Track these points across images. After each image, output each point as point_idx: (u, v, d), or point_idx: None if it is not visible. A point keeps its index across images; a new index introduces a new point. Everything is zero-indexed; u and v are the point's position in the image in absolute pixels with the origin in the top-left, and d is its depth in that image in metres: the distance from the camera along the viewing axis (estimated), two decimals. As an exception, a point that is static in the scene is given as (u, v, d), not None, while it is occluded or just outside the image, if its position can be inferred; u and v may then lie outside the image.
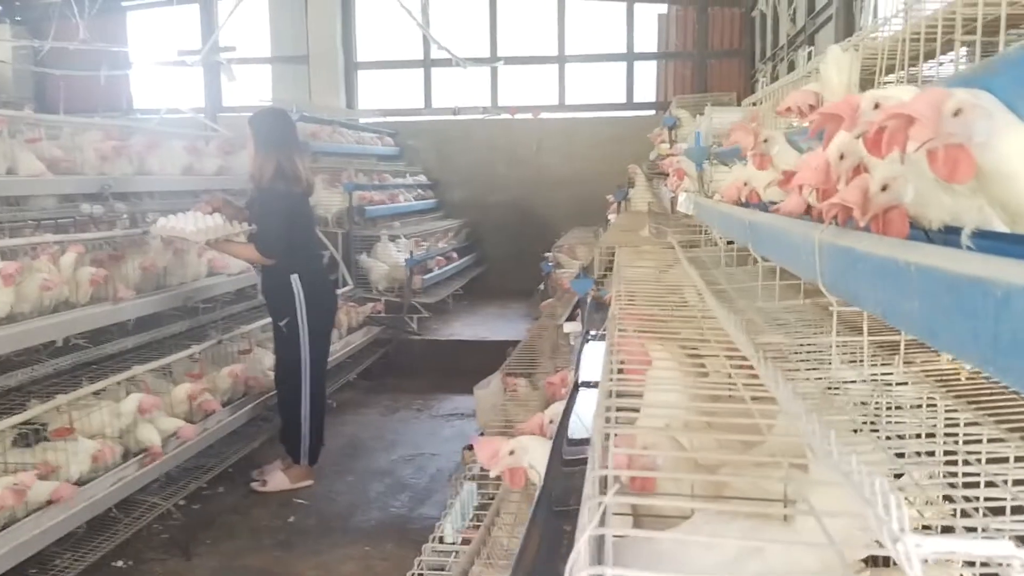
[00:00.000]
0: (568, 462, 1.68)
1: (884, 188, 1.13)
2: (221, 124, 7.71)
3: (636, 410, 1.35)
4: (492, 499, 3.08)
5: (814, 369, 1.21)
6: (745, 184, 2.41)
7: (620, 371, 1.68)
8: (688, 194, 3.75)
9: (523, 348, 4.90)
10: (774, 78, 8.29)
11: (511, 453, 1.65)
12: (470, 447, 4.48)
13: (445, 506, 4.65)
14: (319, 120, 8.69)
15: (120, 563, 4.04)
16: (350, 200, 7.97)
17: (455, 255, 9.73)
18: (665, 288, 2.37)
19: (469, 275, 10.01)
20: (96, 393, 4.07)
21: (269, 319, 5.22)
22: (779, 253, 1.59)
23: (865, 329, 1.26)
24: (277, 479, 5.08)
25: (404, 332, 7.99)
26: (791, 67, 7.42)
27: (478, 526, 2.83)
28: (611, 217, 7.83)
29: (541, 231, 10.41)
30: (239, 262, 5.54)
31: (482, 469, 3.27)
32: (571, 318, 4.20)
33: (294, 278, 4.88)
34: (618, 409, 1.28)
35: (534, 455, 1.66)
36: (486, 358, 7.71)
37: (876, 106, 1.00)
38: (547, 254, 8.35)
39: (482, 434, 4.66)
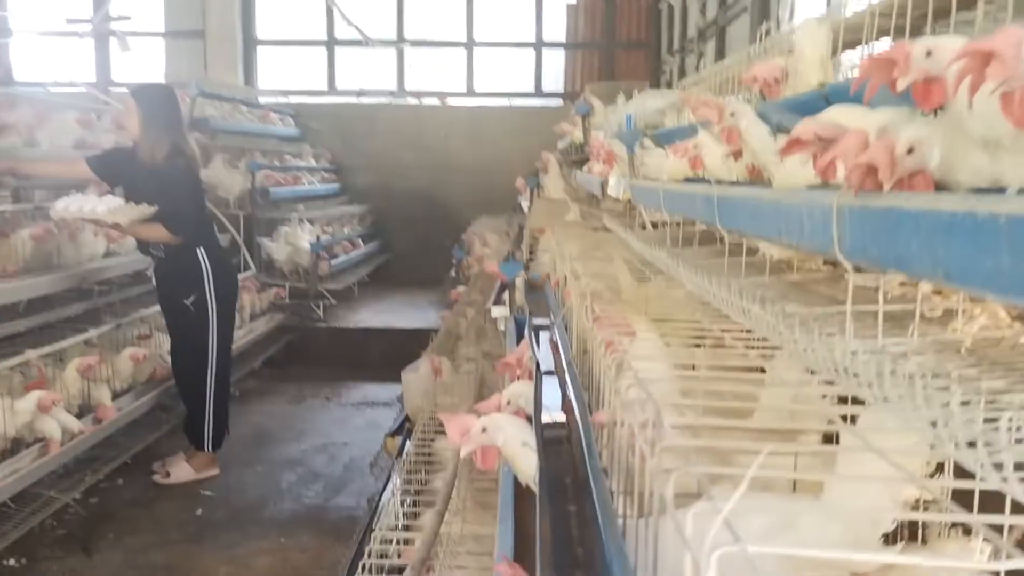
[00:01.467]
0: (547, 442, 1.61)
1: (910, 151, 1.10)
2: (114, 99, 7.27)
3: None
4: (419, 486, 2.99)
5: (831, 336, 1.18)
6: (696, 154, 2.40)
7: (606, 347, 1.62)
8: (620, 178, 3.74)
9: (444, 334, 4.80)
10: (682, 71, 8.45)
11: (483, 431, 1.56)
12: (391, 434, 4.38)
13: (366, 495, 4.55)
14: (219, 97, 8.31)
15: (12, 561, 3.75)
16: (253, 180, 7.66)
17: (360, 241, 9.51)
18: (620, 268, 2.33)
19: (375, 262, 9.81)
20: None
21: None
22: (764, 225, 1.55)
23: (881, 298, 1.23)
24: (181, 470, 4.83)
25: (310, 319, 7.75)
26: (700, 59, 7.56)
27: (416, 513, 2.74)
28: (524, 204, 7.81)
29: (447, 219, 10.31)
30: (132, 241, 5.25)
31: (411, 454, 3.18)
32: (497, 302, 4.14)
33: (200, 251, 4.67)
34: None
35: (507, 432, 1.57)
36: (395, 346, 7.58)
37: (928, 53, 0.96)
38: (457, 242, 8.28)
39: (404, 422, 4.56)
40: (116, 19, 7.28)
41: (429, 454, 3.08)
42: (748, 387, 1.54)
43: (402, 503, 2.58)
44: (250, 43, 10.79)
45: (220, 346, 4.80)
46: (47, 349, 4.19)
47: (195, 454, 4.88)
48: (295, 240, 7.76)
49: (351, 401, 6.59)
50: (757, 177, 2.17)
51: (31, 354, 4.06)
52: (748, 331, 1.62)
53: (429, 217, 10.52)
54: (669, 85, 8.89)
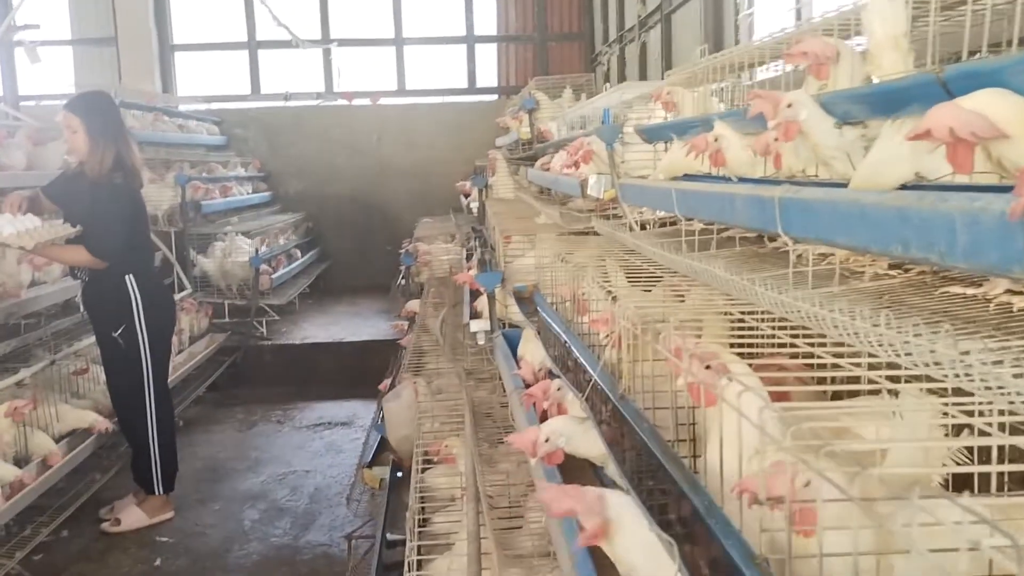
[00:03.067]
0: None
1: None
2: (24, 113, 6.72)
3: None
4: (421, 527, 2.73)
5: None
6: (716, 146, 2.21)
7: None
8: (600, 176, 3.52)
9: (412, 351, 4.50)
10: (622, 61, 8.29)
11: (547, 440, 1.40)
12: (368, 466, 4.08)
13: (339, 530, 4.23)
14: (138, 106, 7.80)
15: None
16: (183, 195, 7.20)
17: (298, 252, 9.10)
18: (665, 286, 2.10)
19: (314, 272, 9.41)
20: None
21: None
22: (867, 233, 1.34)
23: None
24: (132, 515, 4.43)
25: (253, 337, 7.34)
26: (643, 49, 7.41)
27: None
28: (472, 205, 7.54)
29: (385, 223, 10.00)
30: (60, 267, 4.82)
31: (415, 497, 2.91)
32: (473, 315, 3.87)
33: (129, 279, 4.25)
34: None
35: (569, 435, 1.41)
36: (345, 361, 7.27)
37: None
38: (401, 247, 7.95)
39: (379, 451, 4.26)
40: (23, 28, 6.72)
41: (426, 490, 2.81)
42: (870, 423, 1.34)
43: (418, 550, 2.30)
44: (166, 48, 10.23)
45: (156, 381, 4.40)
46: (-26, 396, 3.77)
47: (146, 497, 4.49)
48: (233, 254, 7.34)
49: (306, 423, 6.23)
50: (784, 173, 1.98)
51: (-44, 403, 3.64)
52: (848, 353, 1.41)
53: (367, 222, 10.17)
54: (607, 77, 8.73)
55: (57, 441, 4.14)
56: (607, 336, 1.84)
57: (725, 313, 1.90)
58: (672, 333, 1.50)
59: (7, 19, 6.55)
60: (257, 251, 7.41)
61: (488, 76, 10.58)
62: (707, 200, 2.19)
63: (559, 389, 2.25)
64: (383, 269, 9.24)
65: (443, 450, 2.86)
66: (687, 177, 2.59)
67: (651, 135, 3.11)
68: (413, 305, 6.15)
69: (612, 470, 1.93)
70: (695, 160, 2.35)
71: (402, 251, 7.68)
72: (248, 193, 9.15)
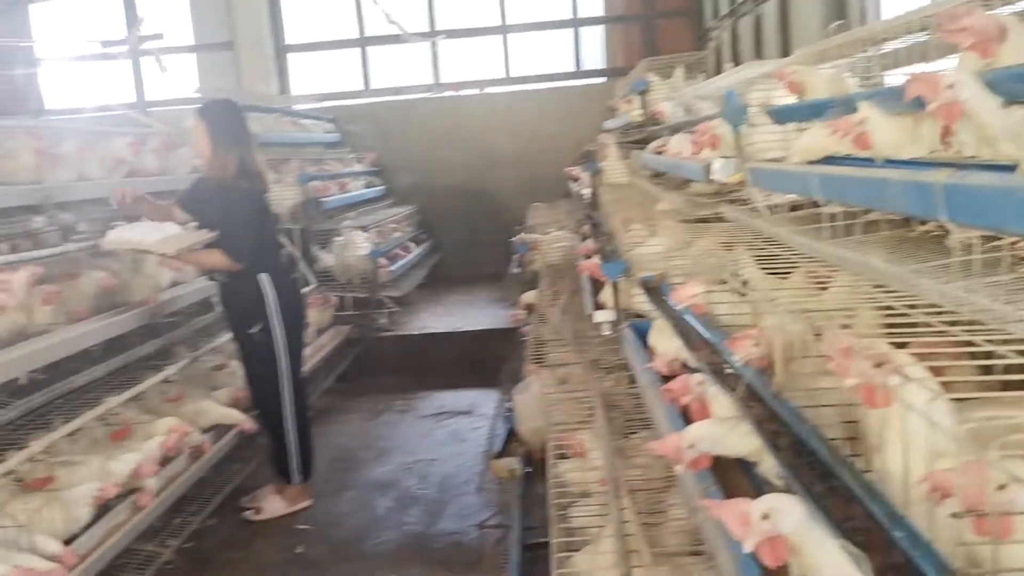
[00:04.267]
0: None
1: None
2: (155, 121, 7.07)
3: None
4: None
5: None
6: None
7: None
8: (726, 159, 3.43)
9: (534, 341, 4.52)
10: (734, 36, 8.06)
11: (764, 517, 1.28)
12: (496, 456, 4.13)
13: (469, 518, 4.31)
14: (259, 109, 8.08)
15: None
16: (305, 193, 7.43)
17: (412, 244, 9.27)
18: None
19: (428, 263, 9.56)
20: (71, 433, 3.56)
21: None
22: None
23: None
24: (273, 504, 4.63)
25: (375, 329, 7.52)
26: (758, 22, 7.18)
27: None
28: (584, 192, 7.50)
29: (495, 212, 10.05)
30: (194, 269, 5.07)
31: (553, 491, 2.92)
32: (597, 306, 3.85)
33: (263, 278, 4.42)
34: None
35: (791, 518, 1.29)
36: (463, 350, 7.37)
37: None
38: (513, 235, 7.99)
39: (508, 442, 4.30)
40: (150, 38, 7.05)
41: (564, 484, 2.82)
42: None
43: (561, 548, 2.31)
44: (281, 50, 10.55)
45: (292, 374, 4.57)
46: (127, 394, 3.99)
47: (285, 486, 4.68)
48: (354, 249, 7.53)
49: (428, 412, 6.35)
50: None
51: (112, 401, 3.86)
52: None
53: (476, 211, 10.25)
54: (718, 54, 8.51)
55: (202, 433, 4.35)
56: (755, 344, 1.78)
57: (882, 306, 1.83)
58: (835, 330, 1.44)
59: (135, 29, 6.87)
60: (375, 244, 7.59)
61: (595, 59, 10.47)
62: (855, 184, 2.10)
63: (700, 383, 2.21)
64: (494, 258, 9.31)
65: (575, 445, 2.85)
66: (827, 160, 2.50)
67: (782, 116, 3.01)
68: (529, 297, 6.17)
69: (767, 468, 1.89)
70: (836, 142, 2.27)
71: (514, 239, 7.73)
72: (363, 188, 9.36)
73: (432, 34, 10.18)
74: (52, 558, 2.97)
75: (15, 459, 3.14)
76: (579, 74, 10.44)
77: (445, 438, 5.77)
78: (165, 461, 3.94)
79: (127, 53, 6.98)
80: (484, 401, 6.34)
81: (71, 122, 6.47)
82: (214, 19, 10.28)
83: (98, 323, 4.06)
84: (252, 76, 10.20)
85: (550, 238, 7.22)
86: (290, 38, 10.63)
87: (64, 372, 4.09)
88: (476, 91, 10.31)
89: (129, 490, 3.65)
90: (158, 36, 7.17)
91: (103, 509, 3.48)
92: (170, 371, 4.46)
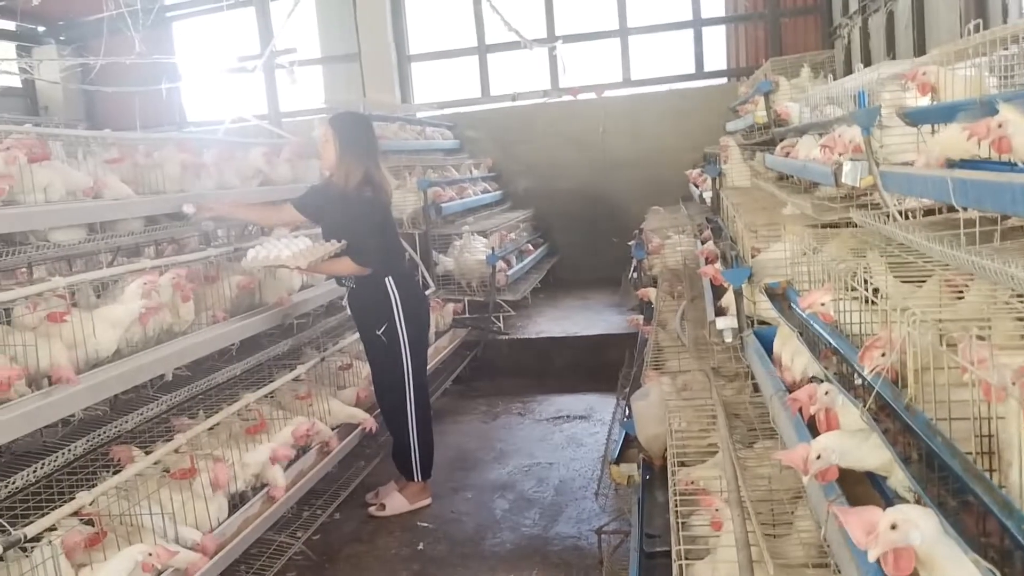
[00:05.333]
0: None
1: None
2: (284, 130, 7.39)
3: None
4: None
5: None
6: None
7: None
8: (856, 162, 3.32)
9: (653, 347, 4.49)
10: (864, 34, 7.78)
11: (893, 527, 1.25)
12: (614, 462, 4.13)
13: (586, 523, 4.33)
14: (383, 118, 8.35)
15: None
16: (425, 198, 7.62)
17: (529, 247, 9.36)
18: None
19: (544, 267, 9.62)
20: (211, 428, 3.78)
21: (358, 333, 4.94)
22: None
23: None
24: (395, 501, 4.77)
25: (491, 332, 7.64)
26: (890, 19, 6.91)
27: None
28: (706, 195, 7.40)
29: (612, 216, 10.02)
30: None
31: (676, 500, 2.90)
32: (718, 313, 3.79)
33: (388, 281, 4.57)
34: None
35: (924, 529, 1.26)
36: (580, 355, 7.39)
37: None
38: (631, 239, 7.94)
39: (623, 448, 4.29)
40: (283, 52, 7.40)
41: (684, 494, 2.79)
42: None
43: (682, 556, 2.30)
44: (403, 60, 10.86)
45: (415, 375, 4.70)
46: (263, 391, 4.20)
47: (407, 484, 4.81)
48: (472, 253, 7.67)
49: (545, 416, 6.40)
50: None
51: (249, 397, 4.07)
52: None
53: (593, 215, 10.25)
54: (847, 53, 8.23)
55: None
56: (886, 354, 1.73)
57: (1021, 316, 1.74)
58: (971, 340, 1.39)
59: (270, 45, 7.22)
60: (493, 249, 7.70)
61: (717, 59, 10.31)
62: (994, 190, 2.01)
63: (827, 393, 2.16)
64: (611, 262, 9.28)
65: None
66: (964, 164, 2.40)
67: (915, 118, 2.90)
68: (649, 291, 6.13)
69: (896, 481, 1.84)
70: (973, 145, 2.18)
71: (632, 243, 7.69)
72: (480, 193, 9.52)
73: (551, 39, 10.25)
74: (193, 547, 3.17)
75: (161, 451, 3.36)
76: (700, 75, 10.30)
77: (563, 442, 5.79)
78: (296, 455, 4.13)
79: (262, 66, 7.32)
80: (601, 406, 6.34)
81: (210, 134, 6.83)
82: (341, 32, 10.68)
83: (236, 324, 4.29)
84: (376, 86, 10.53)
85: (670, 242, 7.16)
86: (413, 48, 10.91)
87: (205, 370, 4.35)
88: (594, 95, 10.31)
89: (263, 484, 3.84)
90: (291, 50, 7.50)
91: (240, 501, 3.68)
92: (301, 370, 4.66)
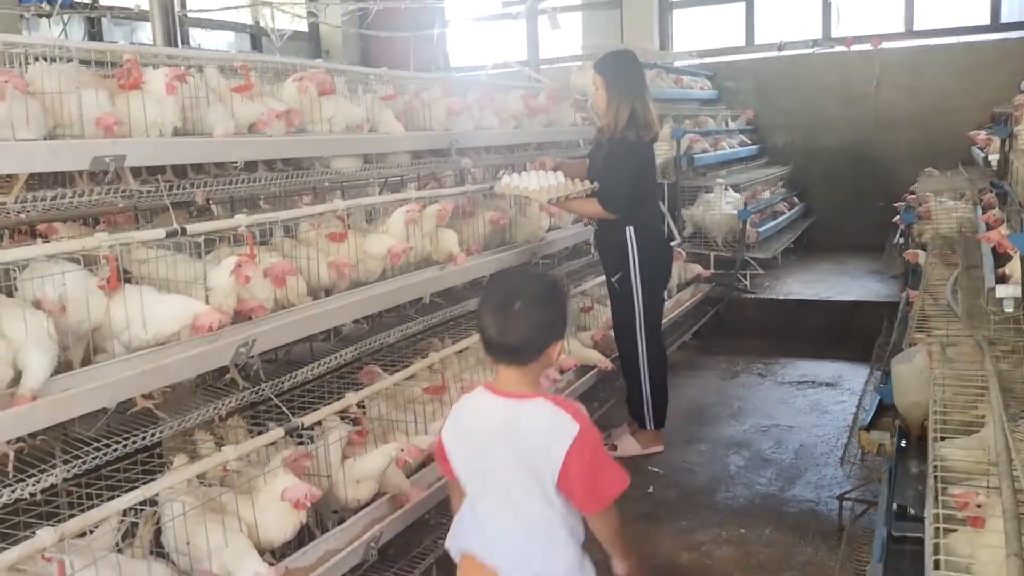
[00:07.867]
0: None
1: None
2: (543, 76, 7.52)
3: None
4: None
5: None
6: None
7: None
8: None
9: (919, 314, 4.15)
10: None
11: None
12: (865, 429, 3.89)
13: (827, 488, 4.14)
14: (643, 65, 8.23)
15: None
16: (678, 148, 7.49)
17: (784, 206, 8.94)
18: None
19: (799, 227, 9.16)
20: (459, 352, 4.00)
21: (603, 276, 4.98)
22: None
23: None
24: (627, 444, 4.81)
25: (736, 290, 7.42)
26: None
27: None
28: (991, 158, 6.69)
29: (877, 177, 9.32)
30: (571, 215, 5.39)
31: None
32: (999, 280, 3.44)
33: (629, 230, 4.54)
34: None
35: None
36: (831, 320, 7.01)
37: None
38: (899, 203, 7.35)
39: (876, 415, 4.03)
40: (549, -2, 7.51)
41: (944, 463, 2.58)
42: None
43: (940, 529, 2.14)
44: (665, 6, 10.64)
45: (648, 326, 4.66)
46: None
47: (639, 429, 4.84)
48: (722, 207, 7.47)
49: (788, 379, 6.15)
50: None
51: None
52: None
53: (857, 176, 9.58)
54: None
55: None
56: None
57: None
58: None
59: (534, -8, 7.34)
60: (745, 204, 7.44)
61: (1016, 9, 9.18)
62: None
63: None
64: (872, 227, 8.65)
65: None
66: None
67: None
68: (918, 252, 5.66)
69: None
70: None
71: (900, 206, 7.12)
72: (737, 146, 9.19)
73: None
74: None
75: (418, 365, 3.60)
76: (996, 27, 9.23)
77: (805, 407, 5.55)
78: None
79: (525, 12, 7.48)
80: (851, 375, 6.00)
81: (473, 78, 7.10)
82: (605, -22, 10.63)
83: (488, 257, 4.48)
84: (635, 33, 10.42)
85: (944, 207, 6.55)
86: (677, -8, 10.67)
87: (456, 298, 4.58)
88: (869, 46, 9.56)
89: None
90: (556, -6, 7.59)
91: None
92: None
